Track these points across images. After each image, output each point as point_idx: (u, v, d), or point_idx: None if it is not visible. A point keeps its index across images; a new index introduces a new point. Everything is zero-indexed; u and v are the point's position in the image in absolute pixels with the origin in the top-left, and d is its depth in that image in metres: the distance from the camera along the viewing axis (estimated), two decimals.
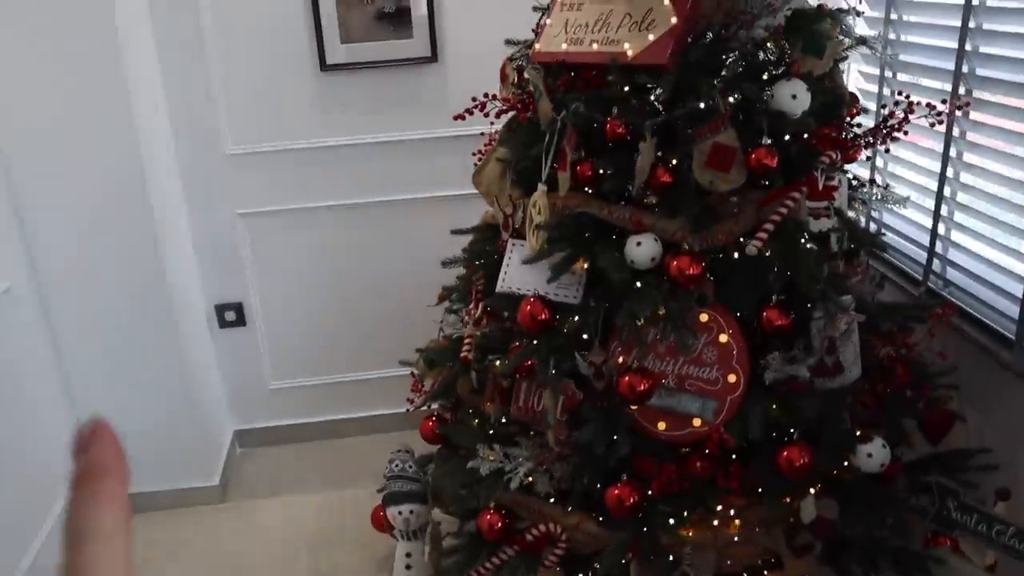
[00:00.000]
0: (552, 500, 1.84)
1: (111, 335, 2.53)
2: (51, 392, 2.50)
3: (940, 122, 1.71)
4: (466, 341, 1.97)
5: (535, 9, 1.98)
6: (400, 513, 2.11)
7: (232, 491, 2.85)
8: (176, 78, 2.60)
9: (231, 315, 2.89)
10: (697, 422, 1.71)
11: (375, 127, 2.72)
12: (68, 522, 0.37)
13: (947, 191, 2.09)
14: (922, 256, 2.20)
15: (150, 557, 2.52)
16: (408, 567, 2.14)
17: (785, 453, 1.63)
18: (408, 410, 2.32)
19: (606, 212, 1.69)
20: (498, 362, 1.87)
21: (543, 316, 1.70)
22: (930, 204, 2.14)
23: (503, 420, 1.96)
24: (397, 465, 2.19)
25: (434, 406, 2.24)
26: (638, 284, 1.63)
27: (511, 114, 1.89)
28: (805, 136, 1.66)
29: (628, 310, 1.60)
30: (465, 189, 2.77)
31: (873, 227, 2.47)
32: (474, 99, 1.80)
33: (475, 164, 2.02)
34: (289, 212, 2.79)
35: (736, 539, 1.79)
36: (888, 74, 2.33)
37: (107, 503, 0.37)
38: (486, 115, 1.81)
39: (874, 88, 2.39)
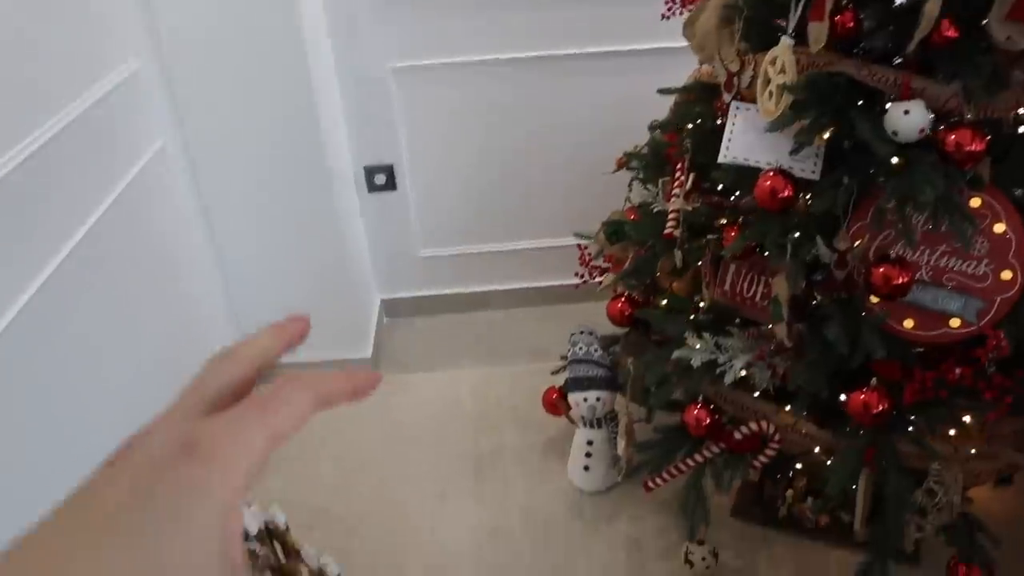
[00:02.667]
0: (766, 398, 1.67)
1: (262, 199, 2.39)
2: (203, 254, 2.41)
3: None
4: (671, 216, 1.75)
5: None
6: (586, 400, 1.96)
7: (385, 363, 2.76)
8: None
9: (381, 178, 2.71)
10: (955, 323, 1.48)
11: None
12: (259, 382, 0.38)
13: None
14: None
15: (314, 428, 2.47)
16: (588, 455, 2.02)
17: None
18: (585, 280, 2.15)
19: (866, 73, 1.42)
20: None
21: (786, 193, 1.47)
22: None
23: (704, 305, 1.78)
24: (581, 348, 2.03)
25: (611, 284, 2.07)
26: (896, 160, 1.39)
27: None
28: None
29: (897, 190, 1.36)
30: (641, 44, 2.48)
31: None
32: None
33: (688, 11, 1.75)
34: (447, 66, 2.50)
35: (974, 452, 1.60)
36: None
37: (305, 394, 0.36)
38: None
39: None
